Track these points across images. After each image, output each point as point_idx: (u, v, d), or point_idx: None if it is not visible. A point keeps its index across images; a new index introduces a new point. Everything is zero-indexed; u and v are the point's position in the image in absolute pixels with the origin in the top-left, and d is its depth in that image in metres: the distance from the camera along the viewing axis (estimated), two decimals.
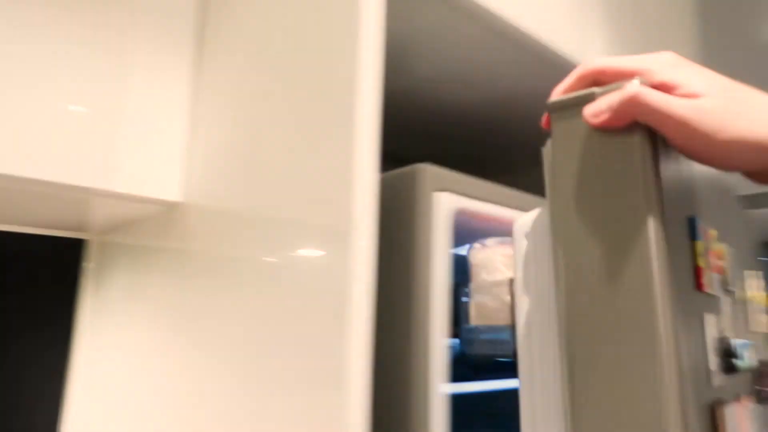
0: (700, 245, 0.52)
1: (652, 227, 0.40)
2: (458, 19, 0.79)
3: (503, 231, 0.79)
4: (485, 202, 0.70)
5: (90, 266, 1.14)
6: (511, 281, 0.77)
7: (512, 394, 0.51)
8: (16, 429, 1.06)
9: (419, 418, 0.62)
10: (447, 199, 0.65)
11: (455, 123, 1.18)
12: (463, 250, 0.93)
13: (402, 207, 0.65)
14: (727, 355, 0.53)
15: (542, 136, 0.54)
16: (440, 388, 0.62)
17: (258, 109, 0.78)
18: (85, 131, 0.81)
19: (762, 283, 0.73)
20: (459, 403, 0.69)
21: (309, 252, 0.64)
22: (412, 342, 0.64)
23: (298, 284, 0.64)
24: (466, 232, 0.79)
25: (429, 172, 0.65)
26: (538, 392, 0.48)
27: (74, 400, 1.11)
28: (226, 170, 0.82)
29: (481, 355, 0.94)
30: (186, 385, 0.82)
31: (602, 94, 0.44)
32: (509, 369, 0.70)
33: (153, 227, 0.95)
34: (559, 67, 0.90)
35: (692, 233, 0.52)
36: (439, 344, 0.63)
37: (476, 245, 0.91)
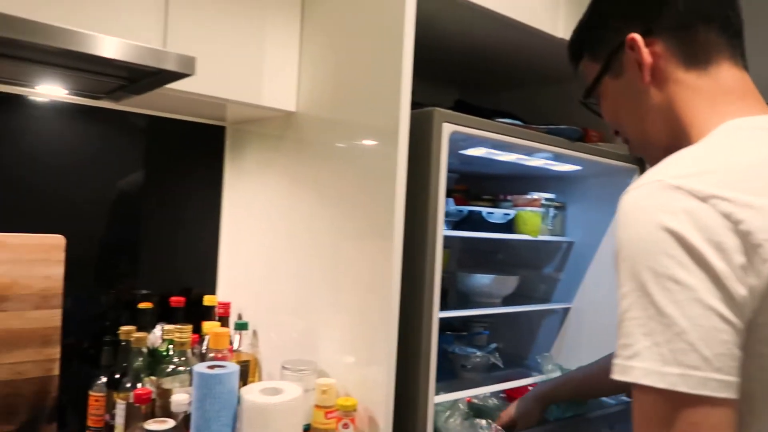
0: None
1: None
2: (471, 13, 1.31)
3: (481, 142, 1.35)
4: (468, 127, 1.27)
5: (227, 144, 1.76)
6: None
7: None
8: (187, 254, 1.74)
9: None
10: (447, 126, 1.22)
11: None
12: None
13: (426, 129, 1.22)
14: None
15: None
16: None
17: (343, 53, 1.33)
18: (240, 66, 1.38)
19: None
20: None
21: (372, 142, 1.23)
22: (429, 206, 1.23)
23: (366, 161, 1.24)
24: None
25: (439, 111, 1.21)
26: None
27: (225, 235, 1.79)
28: (323, 92, 1.39)
29: None
30: (298, 223, 1.46)
31: None
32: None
33: (277, 123, 1.55)
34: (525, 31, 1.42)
35: None
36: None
37: None
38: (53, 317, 1.39)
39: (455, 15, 1.39)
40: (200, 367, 1.19)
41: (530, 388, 1.63)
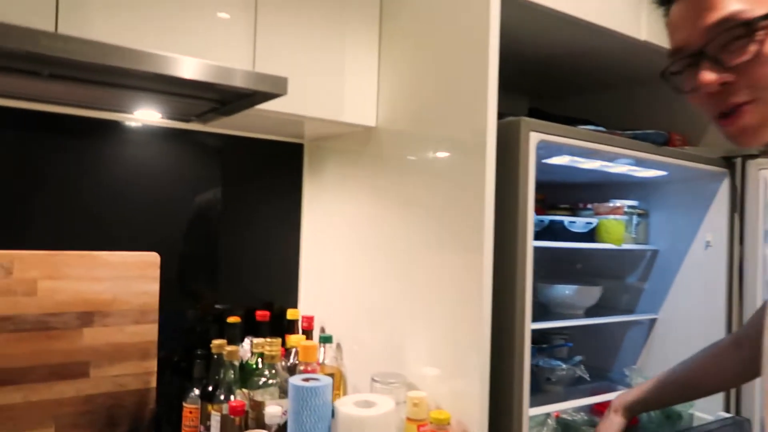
0: None
1: None
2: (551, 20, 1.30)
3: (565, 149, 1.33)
4: (555, 135, 1.25)
5: (305, 160, 1.81)
6: None
7: None
8: (269, 269, 1.78)
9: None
10: (534, 135, 1.21)
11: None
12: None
13: (512, 139, 1.21)
14: None
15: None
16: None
17: (422, 66, 1.34)
18: (322, 84, 1.41)
19: None
20: None
21: (457, 154, 1.23)
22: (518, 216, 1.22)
23: (451, 173, 1.24)
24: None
25: (525, 120, 1.20)
26: None
27: (305, 249, 1.83)
28: (403, 106, 1.40)
29: None
30: (379, 236, 1.47)
31: None
32: None
33: (356, 139, 1.58)
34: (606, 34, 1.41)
35: None
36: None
37: None
38: (151, 331, 1.45)
39: (531, 21, 1.38)
40: (295, 380, 1.21)
41: None
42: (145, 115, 1.45)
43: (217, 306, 1.69)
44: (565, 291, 1.66)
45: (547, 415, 1.44)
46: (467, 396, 1.20)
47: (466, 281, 1.21)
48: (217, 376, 1.38)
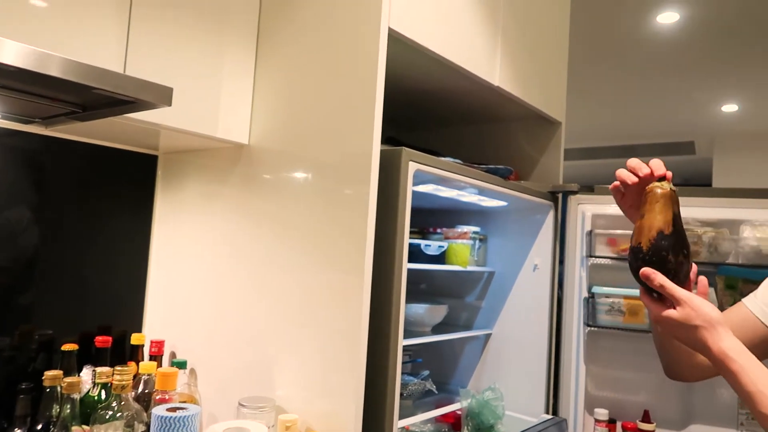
0: None
1: None
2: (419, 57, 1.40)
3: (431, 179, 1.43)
4: (430, 166, 1.34)
5: (159, 174, 1.68)
6: None
7: None
8: (113, 283, 1.61)
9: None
10: (412, 165, 1.28)
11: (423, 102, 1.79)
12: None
13: (392, 166, 1.27)
14: None
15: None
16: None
17: (302, 89, 1.35)
18: (195, 98, 1.34)
19: None
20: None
21: (340, 177, 1.25)
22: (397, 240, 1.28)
23: (333, 196, 1.26)
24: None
25: (406, 150, 1.27)
26: None
27: (155, 269, 1.68)
28: (283, 125, 1.39)
29: None
30: (249, 257, 1.43)
31: None
32: None
33: (224, 155, 1.51)
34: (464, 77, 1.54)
35: None
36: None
37: None
38: None
39: (401, 55, 1.46)
40: (159, 411, 1.12)
41: (459, 412, 1.72)
42: None
43: (42, 332, 1.48)
44: (418, 310, 1.76)
45: (402, 429, 1.51)
46: (340, 415, 1.22)
47: (344, 302, 1.23)
48: (48, 413, 1.21)
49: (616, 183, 0.97)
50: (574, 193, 1.86)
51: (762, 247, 1.69)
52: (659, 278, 0.85)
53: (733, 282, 1.77)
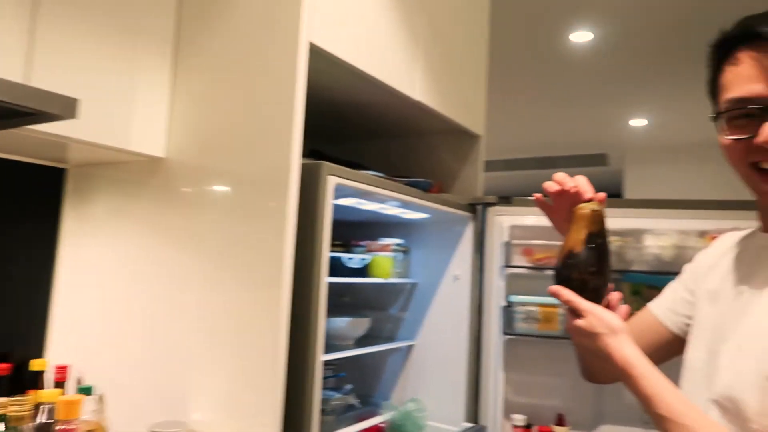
0: None
1: None
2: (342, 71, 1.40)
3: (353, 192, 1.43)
4: (351, 180, 1.34)
5: (68, 188, 1.58)
6: None
7: None
8: (11, 306, 1.50)
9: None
10: (332, 179, 1.28)
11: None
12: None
13: (312, 180, 1.26)
14: None
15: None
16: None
17: (222, 102, 1.32)
18: (105, 110, 1.28)
19: None
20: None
21: (258, 191, 1.23)
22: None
23: (251, 210, 1.23)
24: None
25: (326, 165, 1.27)
26: None
27: (61, 290, 1.58)
28: (199, 143, 1.35)
29: None
30: (163, 275, 1.37)
31: None
32: None
33: (138, 169, 1.44)
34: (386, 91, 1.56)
35: None
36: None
37: None
38: None
39: (322, 68, 1.46)
40: None
41: (382, 425, 1.72)
42: None
43: None
44: (339, 323, 1.75)
45: None
46: None
47: (262, 318, 1.20)
48: None
49: (539, 195, 0.99)
50: (493, 204, 1.91)
51: (663, 255, 1.80)
52: (564, 294, 0.88)
53: (638, 288, 1.88)
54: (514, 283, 1.95)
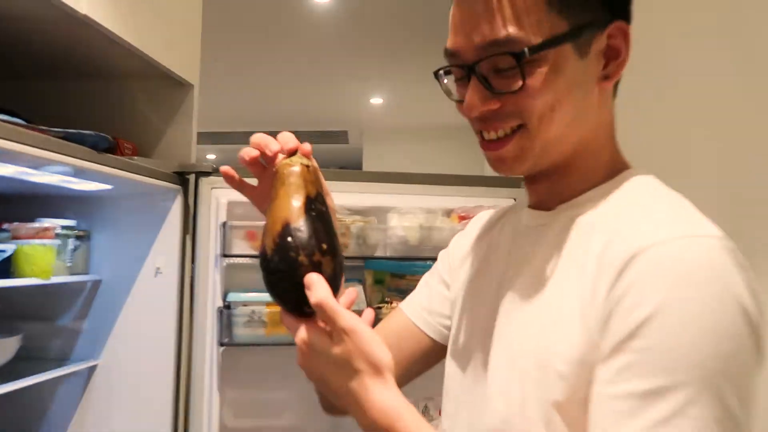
0: None
1: None
2: None
3: None
4: None
5: None
6: None
7: None
8: None
9: None
10: None
11: None
12: None
13: None
14: None
15: None
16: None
17: None
18: None
19: None
20: None
21: None
22: None
23: None
24: None
25: None
26: None
27: None
28: None
29: None
30: None
31: None
32: None
33: None
34: None
35: None
36: None
37: None
38: None
39: None
40: None
41: None
42: None
43: None
44: None
45: None
46: None
47: None
48: None
49: (227, 168, 0.67)
50: (208, 173, 1.46)
51: (409, 237, 1.57)
52: (319, 293, 0.54)
53: (381, 276, 1.63)
54: (233, 277, 1.54)
